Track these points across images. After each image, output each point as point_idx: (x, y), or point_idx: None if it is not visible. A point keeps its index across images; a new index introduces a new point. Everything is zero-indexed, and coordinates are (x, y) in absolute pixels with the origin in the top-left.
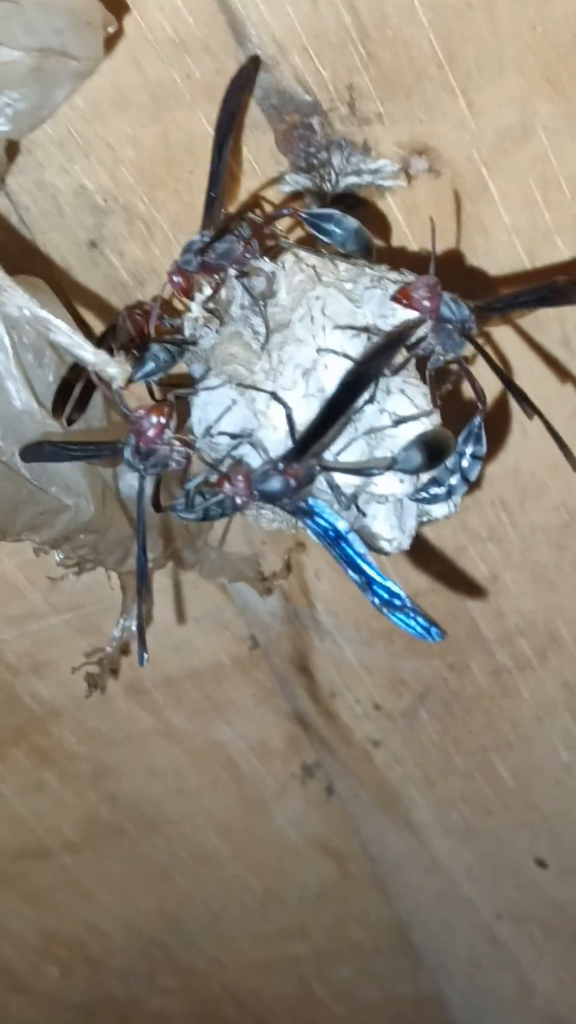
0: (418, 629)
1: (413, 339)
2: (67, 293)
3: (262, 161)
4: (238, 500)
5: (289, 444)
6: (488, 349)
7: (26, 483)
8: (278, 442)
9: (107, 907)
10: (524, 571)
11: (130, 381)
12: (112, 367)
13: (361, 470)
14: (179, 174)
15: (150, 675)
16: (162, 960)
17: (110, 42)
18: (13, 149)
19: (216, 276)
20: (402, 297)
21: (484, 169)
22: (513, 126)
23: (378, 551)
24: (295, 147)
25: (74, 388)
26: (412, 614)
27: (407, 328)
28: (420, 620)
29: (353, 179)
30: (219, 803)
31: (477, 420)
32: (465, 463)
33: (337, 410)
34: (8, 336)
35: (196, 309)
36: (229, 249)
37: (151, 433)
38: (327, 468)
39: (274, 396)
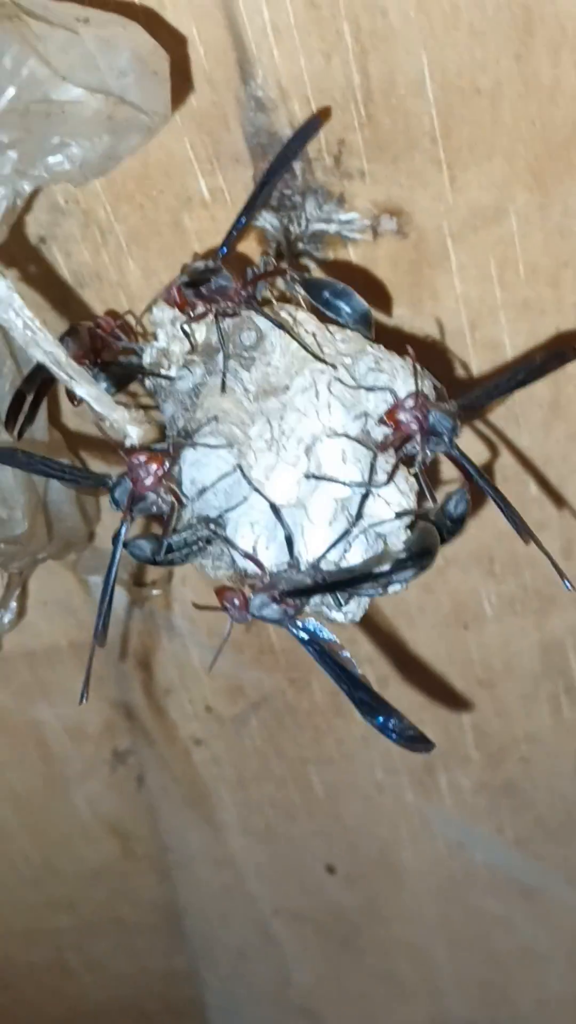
0: (402, 741)
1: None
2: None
3: (235, 193)
4: (233, 616)
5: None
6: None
7: None
8: (266, 511)
9: None
10: (388, 606)
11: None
12: (132, 427)
13: (360, 587)
14: (148, 191)
15: None
16: None
17: None
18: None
19: (207, 306)
20: (390, 421)
21: (450, 240)
22: (488, 207)
23: (331, 621)
24: None
25: (26, 400)
26: (397, 723)
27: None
28: (408, 732)
29: (321, 226)
30: (20, 778)
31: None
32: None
33: (351, 584)
34: None
35: (163, 338)
36: (225, 286)
37: (148, 482)
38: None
39: (276, 514)
